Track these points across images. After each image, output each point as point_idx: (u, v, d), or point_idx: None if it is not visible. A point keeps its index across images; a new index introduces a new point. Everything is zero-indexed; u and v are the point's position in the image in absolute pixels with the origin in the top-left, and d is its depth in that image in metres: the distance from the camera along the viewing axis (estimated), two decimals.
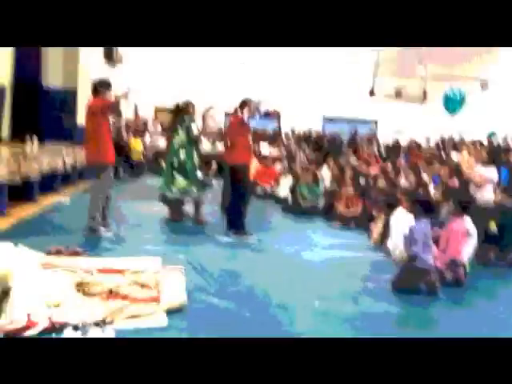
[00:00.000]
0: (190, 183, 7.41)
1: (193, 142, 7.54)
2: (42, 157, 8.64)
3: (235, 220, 6.81)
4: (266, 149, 13.21)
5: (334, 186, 9.33)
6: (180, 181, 7.42)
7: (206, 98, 18.50)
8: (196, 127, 7.68)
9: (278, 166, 11.79)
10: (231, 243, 6.45)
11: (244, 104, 7.05)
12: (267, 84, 18.17)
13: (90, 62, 12.02)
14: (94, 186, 6.41)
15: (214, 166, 12.68)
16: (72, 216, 7.43)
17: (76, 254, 5.25)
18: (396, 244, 5.96)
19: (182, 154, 7.45)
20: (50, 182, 9.22)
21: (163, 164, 7.81)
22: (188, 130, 7.51)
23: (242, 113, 7.00)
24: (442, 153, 12.63)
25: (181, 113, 7.62)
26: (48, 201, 8.56)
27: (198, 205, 7.53)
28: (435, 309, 4.52)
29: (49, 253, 5.14)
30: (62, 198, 9.02)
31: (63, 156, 9.67)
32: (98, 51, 12.82)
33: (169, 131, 8.00)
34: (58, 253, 5.19)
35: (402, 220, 5.94)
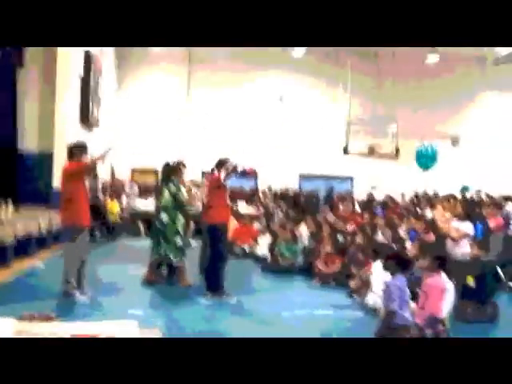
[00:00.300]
0: (169, 249, 7.32)
1: (178, 206, 7.41)
2: (17, 221, 8.54)
3: (213, 281, 6.74)
4: (243, 208, 13.26)
5: (312, 243, 9.33)
6: (162, 244, 7.34)
7: (182, 158, 18.73)
8: (184, 190, 7.64)
9: (256, 225, 11.80)
10: (209, 305, 6.36)
11: (221, 163, 7.07)
12: (244, 143, 18.49)
13: (66, 125, 12.09)
14: (69, 249, 6.32)
15: (192, 226, 12.63)
16: (47, 280, 7.29)
17: (49, 319, 5.11)
18: (375, 299, 5.98)
19: (165, 218, 7.36)
20: (25, 246, 9.08)
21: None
22: (175, 194, 7.39)
23: (219, 172, 6.98)
24: (417, 208, 12.80)
25: (170, 173, 7.56)
26: (22, 265, 8.40)
27: (180, 269, 7.41)
28: None
29: (21, 319, 5.00)
30: (36, 262, 8.86)
31: (38, 220, 9.56)
32: (74, 115, 12.92)
33: (156, 191, 7.92)
34: (31, 318, 5.05)
35: (381, 274, 5.96)
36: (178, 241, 7.36)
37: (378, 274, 6.33)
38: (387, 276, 5.79)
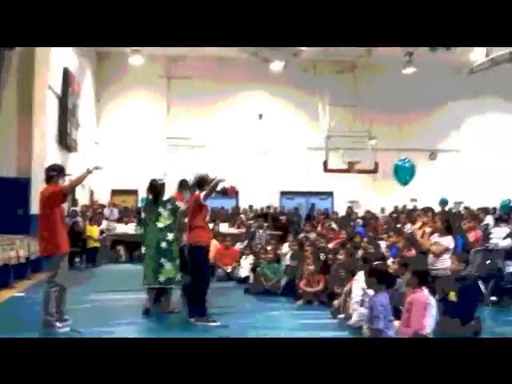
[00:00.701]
0: (175, 269, 7.03)
1: (177, 224, 7.15)
2: None
3: (197, 305, 6.65)
4: (225, 228, 13.23)
5: (294, 263, 9.31)
6: (168, 267, 6.96)
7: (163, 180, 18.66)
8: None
9: (237, 245, 11.76)
10: (194, 330, 6.28)
11: (200, 182, 6.92)
12: (224, 161, 18.49)
13: (44, 149, 11.99)
14: (48, 278, 6.20)
15: None
16: (26, 311, 7.16)
17: None
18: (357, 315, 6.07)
19: (172, 237, 7.03)
20: (4, 276, 8.93)
21: (143, 251, 7.14)
22: (175, 211, 7.12)
23: (200, 191, 6.82)
24: (397, 223, 12.88)
25: (161, 189, 7.18)
26: (1, 296, 8.25)
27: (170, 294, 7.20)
28: None
29: None
30: (15, 292, 8.72)
31: (17, 249, 9.41)
32: (52, 137, 12.82)
33: (147, 213, 7.21)
34: None
35: (361, 284, 6.04)
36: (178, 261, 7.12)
37: (359, 284, 6.38)
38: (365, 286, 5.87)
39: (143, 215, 7.17)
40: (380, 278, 5.09)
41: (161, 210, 7.11)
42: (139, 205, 18.92)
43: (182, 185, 7.54)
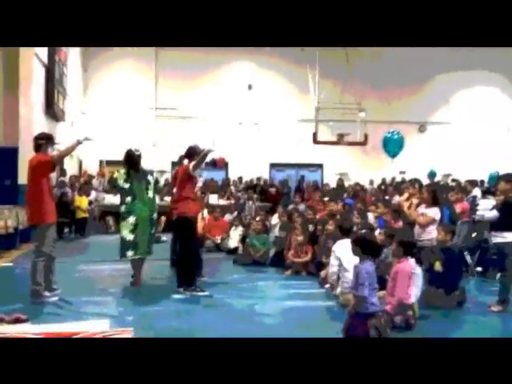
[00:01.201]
0: (150, 242, 7.06)
1: (155, 196, 7.17)
2: None
3: (185, 276, 6.70)
4: (214, 199, 13.23)
5: (283, 234, 9.37)
6: (150, 241, 7.04)
7: (151, 152, 18.61)
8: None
9: (227, 217, 11.79)
10: (182, 300, 6.35)
11: (189, 152, 6.89)
12: (213, 132, 18.38)
13: (31, 119, 11.84)
14: (35, 247, 6.19)
15: (163, 219, 12.56)
16: (15, 281, 7.18)
17: (19, 320, 5.05)
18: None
19: (156, 207, 7.10)
20: None
21: (126, 223, 6.93)
22: (156, 183, 7.18)
23: (189, 162, 6.81)
24: (385, 195, 12.95)
25: (139, 160, 7.08)
26: None
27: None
28: None
29: None
30: (4, 262, 8.71)
31: (5, 219, 9.37)
32: (39, 107, 12.65)
33: (133, 183, 6.99)
34: (0, 320, 4.99)
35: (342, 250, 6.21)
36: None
37: (335, 254, 6.50)
38: (344, 252, 6.04)
39: (126, 185, 6.96)
40: (364, 247, 5.11)
41: (150, 178, 7.10)
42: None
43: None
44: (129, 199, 6.94)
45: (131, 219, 6.88)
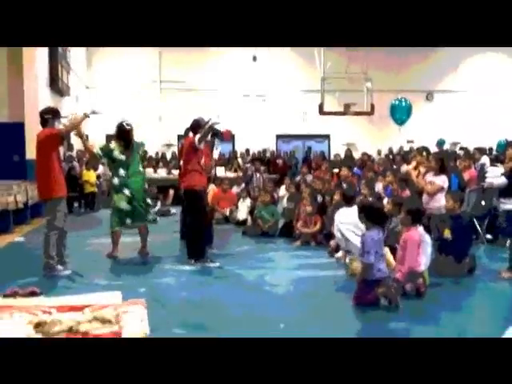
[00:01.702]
0: (147, 211, 7.14)
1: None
2: None
3: (195, 247, 6.74)
4: (221, 172, 13.23)
5: (291, 205, 9.38)
6: (142, 207, 7.07)
7: (157, 126, 18.56)
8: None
9: (234, 189, 11.80)
10: (193, 271, 6.40)
11: (195, 125, 6.83)
12: (218, 104, 18.30)
13: (36, 93, 11.79)
14: (47, 222, 6.24)
15: (171, 192, 12.60)
16: (27, 255, 7.25)
17: (33, 294, 5.12)
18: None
19: (141, 181, 7.11)
20: (3, 221, 8.99)
21: (122, 195, 6.92)
22: (144, 155, 7.33)
23: (193, 135, 6.78)
24: (394, 164, 12.90)
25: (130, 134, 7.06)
26: (1, 241, 8.33)
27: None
28: (398, 322, 4.57)
29: (5, 295, 5.00)
30: (15, 237, 8.79)
31: (15, 194, 9.42)
32: (43, 82, 12.58)
33: (119, 155, 6.99)
34: (15, 294, 5.05)
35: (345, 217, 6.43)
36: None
37: (339, 218, 6.63)
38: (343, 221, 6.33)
39: (122, 157, 6.95)
40: (368, 214, 5.12)
41: (140, 152, 7.29)
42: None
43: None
44: (122, 172, 6.91)
45: (126, 192, 6.88)
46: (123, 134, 7.02)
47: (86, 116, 6.28)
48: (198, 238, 6.75)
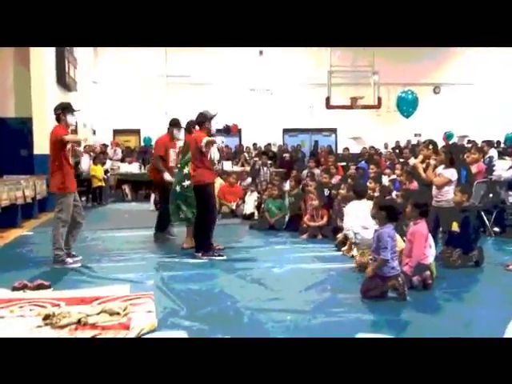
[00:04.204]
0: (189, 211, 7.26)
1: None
2: (1, 191, 8.47)
3: (203, 241, 6.77)
4: (229, 166, 13.23)
5: (291, 200, 9.38)
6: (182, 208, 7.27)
7: (163, 120, 18.58)
8: None
9: (242, 183, 11.81)
10: (200, 265, 6.42)
11: (200, 120, 6.84)
12: (225, 99, 18.30)
13: (43, 88, 11.83)
14: (57, 215, 6.31)
15: None
16: (36, 249, 7.31)
17: (42, 287, 5.16)
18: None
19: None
20: (11, 215, 9.04)
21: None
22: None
23: (200, 129, 6.81)
24: (401, 158, 12.85)
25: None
26: (10, 235, 8.38)
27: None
28: (406, 314, 4.57)
29: (14, 288, 5.05)
30: (24, 231, 8.85)
31: (23, 189, 9.47)
32: (50, 77, 12.61)
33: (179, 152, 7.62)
34: (24, 287, 5.09)
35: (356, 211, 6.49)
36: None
37: (349, 211, 6.70)
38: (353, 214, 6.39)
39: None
40: (390, 213, 5.12)
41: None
42: (142, 144, 18.96)
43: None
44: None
45: (177, 188, 7.21)
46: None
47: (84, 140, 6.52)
48: (206, 231, 6.79)
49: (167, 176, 7.72)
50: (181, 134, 7.93)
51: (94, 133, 18.72)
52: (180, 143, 7.97)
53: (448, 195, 6.89)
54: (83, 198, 12.75)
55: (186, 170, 7.16)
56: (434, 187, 7.07)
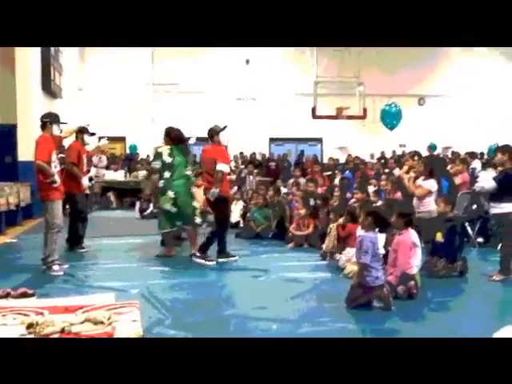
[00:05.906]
0: (194, 214, 7.25)
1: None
2: None
3: (225, 245, 7.15)
4: None
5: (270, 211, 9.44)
6: (189, 211, 7.21)
7: (149, 127, 18.52)
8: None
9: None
10: (186, 273, 6.40)
11: (211, 134, 7.14)
12: (211, 108, 18.31)
13: (28, 95, 11.75)
14: (46, 221, 6.30)
15: None
16: (19, 256, 7.24)
17: (26, 295, 5.10)
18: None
19: (184, 186, 7.22)
20: None
21: (166, 197, 7.09)
22: (189, 158, 7.43)
23: (212, 142, 7.15)
24: (386, 168, 12.97)
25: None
26: None
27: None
28: (391, 323, 4.59)
29: None
30: (7, 239, 8.76)
31: (6, 196, 9.38)
32: (35, 84, 12.53)
33: (167, 158, 7.19)
34: (7, 295, 5.04)
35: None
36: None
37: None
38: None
39: (168, 160, 7.09)
40: (378, 221, 5.14)
41: (180, 154, 7.23)
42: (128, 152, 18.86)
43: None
44: (167, 174, 7.09)
45: (170, 193, 7.05)
46: (178, 137, 7.29)
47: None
48: (225, 236, 7.17)
49: (85, 181, 7.84)
50: (90, 140, 8.09)
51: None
52: (88, 148, 8.17)
53: (429, 206, 6.97)
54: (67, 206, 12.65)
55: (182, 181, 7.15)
56: (414, 198, 7.16)
